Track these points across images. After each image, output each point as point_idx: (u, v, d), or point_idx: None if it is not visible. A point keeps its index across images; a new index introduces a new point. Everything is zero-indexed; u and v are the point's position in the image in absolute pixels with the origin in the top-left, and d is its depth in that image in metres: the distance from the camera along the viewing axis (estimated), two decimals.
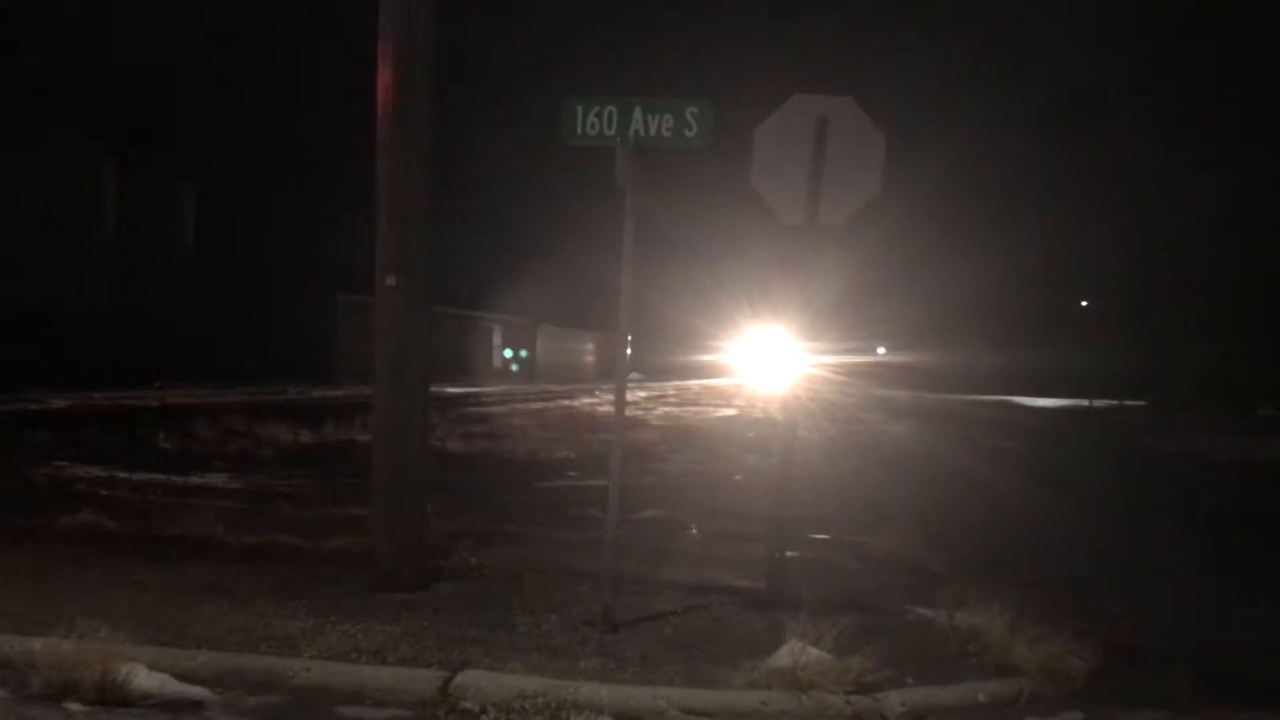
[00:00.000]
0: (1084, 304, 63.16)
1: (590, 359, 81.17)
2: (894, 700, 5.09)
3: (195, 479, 12.51)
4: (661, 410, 32.32)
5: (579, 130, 6.21)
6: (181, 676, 4.91)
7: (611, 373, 6.87)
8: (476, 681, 5.03)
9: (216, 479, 12.76)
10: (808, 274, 6.81)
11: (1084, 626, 5.97)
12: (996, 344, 73.61)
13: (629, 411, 6.92)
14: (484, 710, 4.80)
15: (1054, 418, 44.15)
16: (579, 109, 6.20)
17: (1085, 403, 51.72)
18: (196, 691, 4.84)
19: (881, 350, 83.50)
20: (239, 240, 57.03)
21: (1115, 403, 50.73)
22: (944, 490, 15.27)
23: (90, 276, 45.89)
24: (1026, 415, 45.28)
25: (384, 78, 6.67)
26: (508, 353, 66.81)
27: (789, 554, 7.07)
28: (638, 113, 6.15)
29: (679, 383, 57.46)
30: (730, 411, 33.26)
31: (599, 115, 6.17)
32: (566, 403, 35.20)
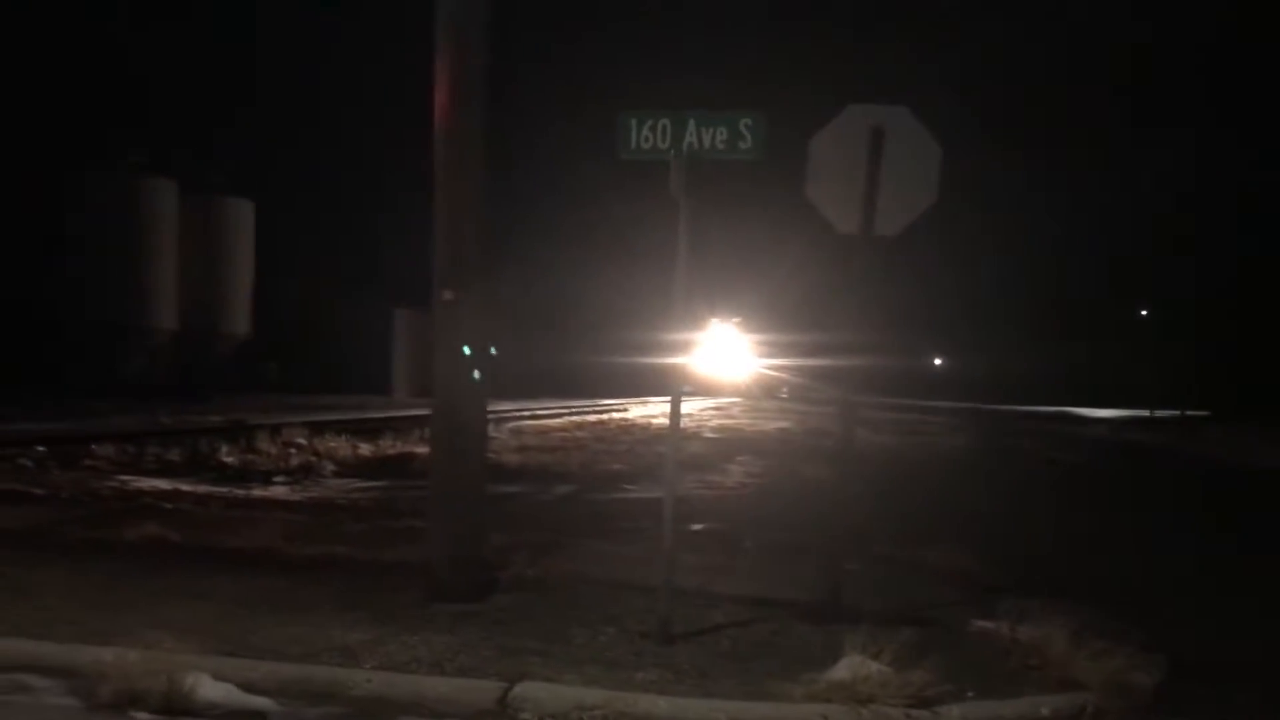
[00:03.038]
0: (1144, 313, 62.15)
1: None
2: (955, 714, 5.03)
3: (257, 492, 12.70)
4: (717, 423, 32.29)
5: (633, 144, 6.22)
6: (245, 687, 4.99)
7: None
8: (534, 693, 5.05)
9: (277, 492, 12.94)
10: (862, 282, 6.76)
11: (1149, 642, 5.86)
12: (1050, 347, 72.56)
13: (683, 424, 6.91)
14: None
15: (1116, 431, 43.45)
16: (633, 123, 6.20)
17: (1146, 413, 50.77)
18: (260, 701, 4.92)
19: (939, 361, 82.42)
20: (298, 256, 57.92)
21: (1178, 413, 49.64)
22: (1004, 505, 15.07)
23: (152, 294, 46.86)
24: (1090, 429, 44.60)
25: (439, 98, 6.78)
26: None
27: (847, 567, 7.01)
28: (691, 125, 6.14)
29: (716, 399, 56.90)
30: (785, 424, 33.12)
31: (653, 129, 6.17)
32: (620, 416, 35.28)
